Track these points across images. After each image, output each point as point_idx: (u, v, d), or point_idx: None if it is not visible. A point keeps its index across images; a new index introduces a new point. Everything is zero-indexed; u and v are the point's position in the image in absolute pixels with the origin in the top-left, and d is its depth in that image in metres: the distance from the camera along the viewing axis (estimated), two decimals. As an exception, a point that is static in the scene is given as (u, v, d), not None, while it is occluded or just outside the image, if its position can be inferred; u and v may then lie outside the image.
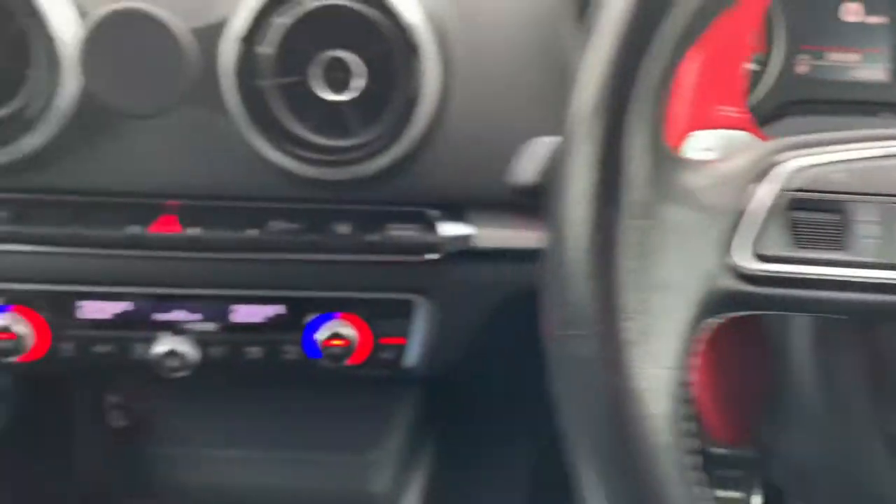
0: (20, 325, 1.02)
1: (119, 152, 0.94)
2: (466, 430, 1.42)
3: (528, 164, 0.74)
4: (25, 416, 1.31)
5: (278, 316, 1.07)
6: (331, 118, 0.92)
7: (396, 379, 1.30)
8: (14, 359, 1.03)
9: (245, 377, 1.25)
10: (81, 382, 1.43)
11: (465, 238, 1.01)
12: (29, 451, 1.31)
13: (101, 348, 1.06)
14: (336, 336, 1.06)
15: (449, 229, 1.01)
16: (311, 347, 1.08)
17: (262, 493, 1.44)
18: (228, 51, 0.90)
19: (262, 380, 1.33)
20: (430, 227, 1.01)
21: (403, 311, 1.09)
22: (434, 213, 1.02)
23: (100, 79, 0.82)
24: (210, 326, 1.07)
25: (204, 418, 1.45)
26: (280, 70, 0.89)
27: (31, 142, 0.91)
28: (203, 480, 1.45)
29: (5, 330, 1.02)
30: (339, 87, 0.90)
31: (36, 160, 0.93)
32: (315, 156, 0.92)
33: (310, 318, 1.07)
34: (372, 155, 0.93)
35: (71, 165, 0.94)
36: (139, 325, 1.06)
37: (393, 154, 0.94)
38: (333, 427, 1.44)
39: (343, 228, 1.00)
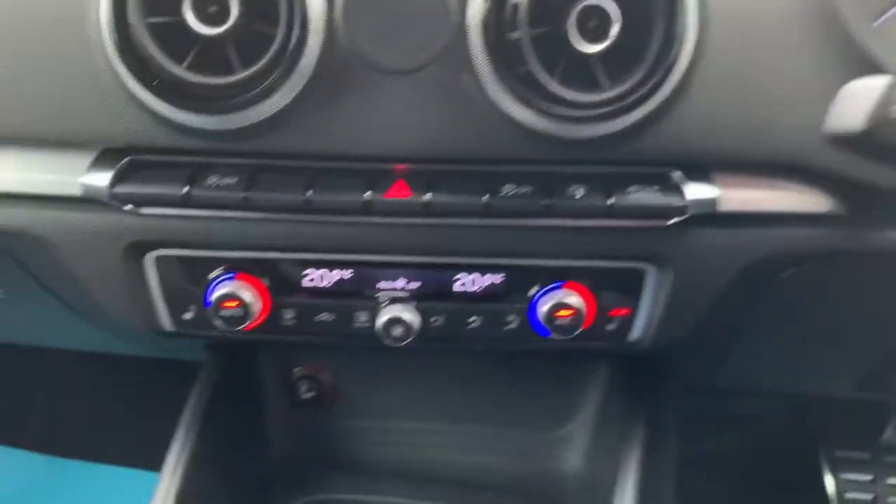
0: (246, 293, 1.01)
1: (358, 114, 0.91)
2: (671, 409, 1.35)
3: (855, 109, 0.66)
4: (220, 388, 1.32)
5: (503, 285, 1.03)
6: (581, 72, 0.86)
7: (596, 352, 1.25)
8: (241, 327, 1.03)
9: (441, 349, 1.21)
10: (271, 355, 1.43)
11: (712, 201, 0.94)
12: (224, 423, 1.32)
13: (324, 317, 1.05)
14: (562, 306, 1.01)
15: (695, 191, 0.94)
16: (535, 318, 1.03)
17: (447, 467, 1.41)
18: (477, 3, 0.86)
19: (453, 352, 1.30)
20: (675, 189, 0.94)
21: (633, 281, 1.03)
22: (677, 174, 0.95)
23: (362, 33, 0.79)
24: (433, 295, 1.04)
25: (391, 390, 1.43)
26: (533, 20, 0.83)
27: (273, 103, 0.89)
28: (388, 452, 1.44)
29: (232, 297, 1.01)
30: (594, 37, 0.84)
31: (276, 123, 0.91)
32: (563, 111, 0.86)
33: (536, 287, 1.02)
34: (622, 110, 0.87)
35: (310, 128, 0.92)
36: (362, 293, 1.04)
37: (644, 109, 0.88)
38: (523, 401, 1.40)
39: (580, 192, 0.94)
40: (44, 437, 2.11)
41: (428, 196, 0.93)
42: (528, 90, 0.86)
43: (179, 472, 1.19)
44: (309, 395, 1.45)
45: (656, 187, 0.94)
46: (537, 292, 1.02)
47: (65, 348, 1.72)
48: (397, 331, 1.02)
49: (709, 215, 0.95)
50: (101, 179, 0.95)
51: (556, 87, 0.85)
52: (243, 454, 1.40)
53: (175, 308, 1.06)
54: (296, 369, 1.46)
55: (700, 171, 0.95)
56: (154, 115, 0.91)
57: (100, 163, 0.96)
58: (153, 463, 1.27)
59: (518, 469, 1.39)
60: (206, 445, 1.25)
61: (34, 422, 2.13)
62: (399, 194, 0.94)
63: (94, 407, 2.11)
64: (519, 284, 1.03)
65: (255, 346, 1.43)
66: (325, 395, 1.45)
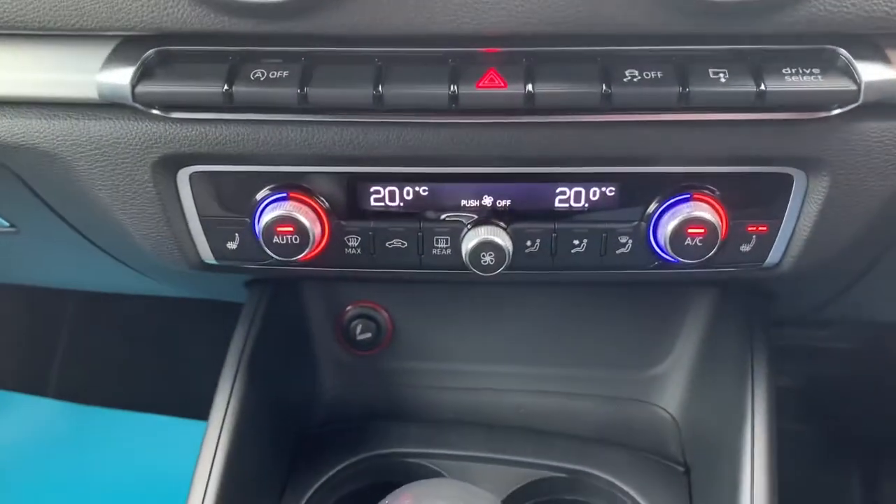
0: (303, 216, 0.84)
1: None
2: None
3: None
4: (264, 331, 1.16)
5: (616, 198, 0.84)
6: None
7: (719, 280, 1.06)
8: (298, 256, 0.85)
9: (533, 280, 1.03)
10: (320, 292, 1.27)
11: (891, 85, 0.74)
12: (271, 369, 1.17)
13: (396, 243, 0.87)
14: (693, 222, 0.82)
15: (871, 72, 0.74)
16: (655, 239, 0.85)
17: (524, 415, 1.25)
18: None
19: (543, 284, 1.12)
20: (843, 70, 0.74)
21: (777, 190, 0.84)
22: (843, 52, 0.75)
23: None
24: (529, 214, 0.85)
25: (456, 328, 1.26)
26: None
27: None
28: (455, 399, 1.28)
29: (287, 221, 0.83)
30: None
31: None
32: None
33: (656, 200, 0.84)
34: None
35: (371, 3, 0.72)
36: (441, 213, 0.86)
37: None
38: (609, 336, 1.23)
39: (722, 76, 0.74)
40: (70, 385, 1.99)
41: (529, 87, 0.74)
42: None
43: (228, 423, 1.04)
44: (364, 336, 1.28)
45: (815, 69, 0.74)
46: (659, 207, 0.83)
47: (88, 290, 1.57)
48: (487, 258, 0.84)
49: (883, 104, 0.75)
50: (122, 76, 0.76)
51: (709, -70, 0.65)
52: (294, 402, 1.25)
53: (216, 236, 0.89)
54: (348, 308, 1.29)
55: (871, 48, 0.75)
56: None
57: (119, 56, 0.77)
58: (192, 411, 1.13)
59: (607, 414, 1.23)
60: (254, 393, 1.10)
61: (58, 368, 2.00)
62: (493, 85, 0.75)
63: (126, 352, 1.98)
64: (635, 198, 0.84)
65: (301, 283, 1.26)
66: (382, 335, 1.29)
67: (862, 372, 1.80)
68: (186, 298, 1.54)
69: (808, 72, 0.74)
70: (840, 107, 0.75)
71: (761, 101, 0.74)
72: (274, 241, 0.84)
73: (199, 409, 1.14)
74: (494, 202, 0.85)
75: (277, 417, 1.19)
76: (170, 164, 0.84)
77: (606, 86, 0.74)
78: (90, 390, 1.97)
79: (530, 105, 0.75)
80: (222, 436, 1.04)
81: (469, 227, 0.85)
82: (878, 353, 1.82)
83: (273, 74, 0.76)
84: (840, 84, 0.74)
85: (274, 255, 0.85)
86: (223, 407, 1.07)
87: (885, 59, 0.74)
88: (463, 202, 0.85)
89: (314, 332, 1.29)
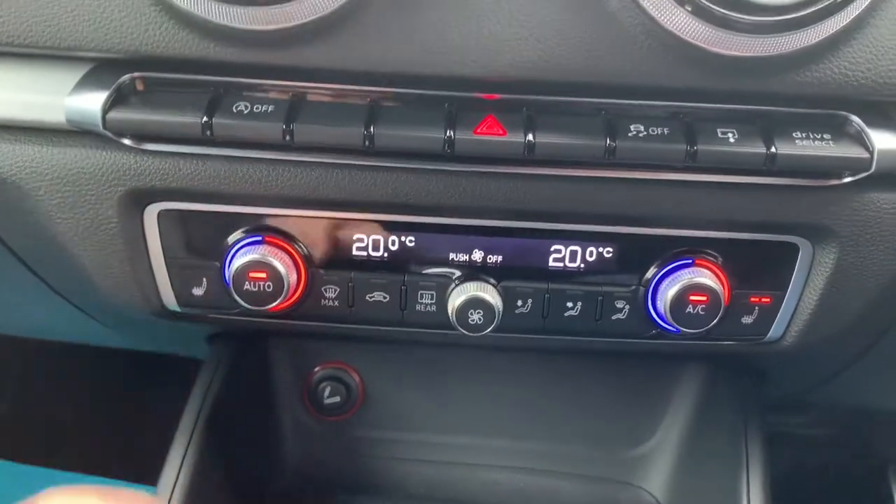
0: (278, 262, 0.77)
1: (441, 19, 0.67)
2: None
3: None
4: (225, 390, 1.08)
5: (613, 260, 0.80)
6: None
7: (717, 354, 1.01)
8: (268, 306, 0.79)
9: (519, 345, 0.98)
10: (287, 350, 1.19)
11: (903, 153, 0.71)
12: (229, 432, 1.08)
13: (377, 296, 0.81)
14: (694, 289, 0.77)
15: (882, 140, 0.71)
16: (656, 305, 0.80)
17: (500, 493, 1.17)
18: None
19: (530, 349, 1.06)
20: (854, 137, 0.71)
21: (781, 259, 0.80)
22: (855, 118, 0.72)
23: None
24: (521, 271, 0.80)
25: (430, 396, 1.19)
26: None
27: (318, 3, 0.65)
28: (426, 473, 1.20)
29: (261, 267, 0.77)
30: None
31: (330, 24, 0.67)
32: (737, 15, 0.63)
33: (657, 264, 0.79)
34: (811, 18, 0.64)
35: (375, 35, 0.68)
36: (427, 266, 0.80)
37: (840, 20, 0.65)
38: (594, 411, 1.16)
39: (732, 136, 0.71)
40: (11, 443, 1.86)
41: (530, 136, 0.70)
42: None
43: (179, 491, 0.95)
44: (333, 400, 1.20)
45: (826, 135, 0.71)
46: (659, 271, 0.79)
47: (35, 337, 1.47)
48: (475, 316, 0.78)
49: (893, 174, 0.72)
50: (93, 101, 0.71)
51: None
52: (253, 469, 1.16)
53: (182, 280, 0.82)
54: (316, 368, 1.22)
55: (883, 116, 0.72)
56: (168, 8, 0.68)
57: (92, 79, 0.72)
58: (144, 476, 1.04)
59: (589, 495, 1.15)
60: (209, 457, 1.01)
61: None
62: (491, 132, 0.70)
63: (74, 408, 1.85)
64: (634, 260, 0.80)
65: (268, 339, 1.19)
66: (351, 400, 1.21)
67: (840, 461, 1.75)
68: (142, 352, 1.45)
69: (819, 137, 0.72)
70: (851, 175, 0.72)
71: (771, 165, 0.70)
72: (245, 287, 0.78)
73: (149, 474, 1.05)
74: (485, 257, 0.80)
75: (234, 485, 1.10)
76: (138, 200, 0.78)
77: (611, 139, 0.70)
78: (30, 448, 1.84)
79: (530, 155, 0.70)
80: None
81: (457, 282, 0.80)
82: (858, 441, 1.78)
83: (257, 108, 0.71)
84: (852, 151, 0.71)
85: (244, 304, 0.79)
86: (174, 472, 0.98)
87: (895, 127, 0.72)
88: (451, 256, 0.80)
89: (279, 394, 1.21)
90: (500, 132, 0.71)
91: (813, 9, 0.64)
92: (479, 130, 0.70)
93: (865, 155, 0.71)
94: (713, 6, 0.63)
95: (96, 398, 1.84)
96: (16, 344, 1.73)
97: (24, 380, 1.90)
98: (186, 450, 1.00)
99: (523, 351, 1.08)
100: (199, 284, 0.82)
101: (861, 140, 0.71)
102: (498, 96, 0.73)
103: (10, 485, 1.78)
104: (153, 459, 1.03)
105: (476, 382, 1.19)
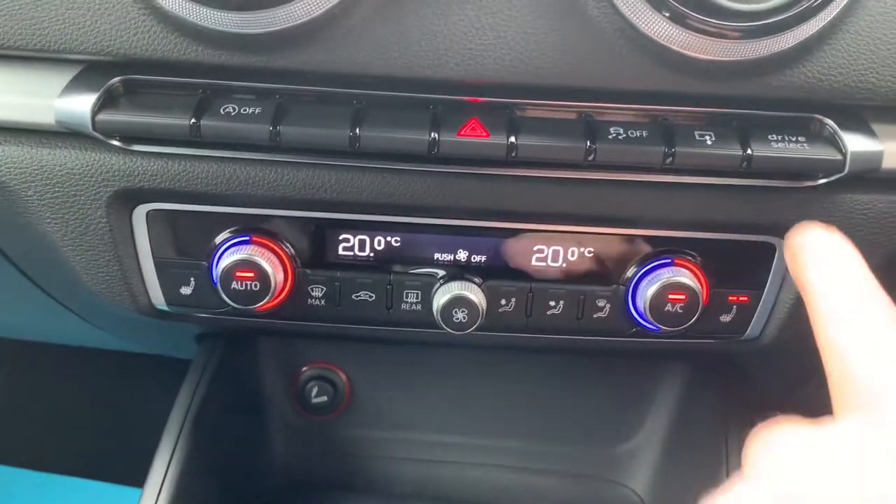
0: (265, 262, 0.79)
1: (428, 22, 0.69)
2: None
3: None
4: (212, 390, 1.09)
5: (595, 260, 0.81)
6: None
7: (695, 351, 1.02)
8: (255, 305, 0.80)
9: (504, 343, 0.99)
10: (275, 349, 1.20)
11: (877, 155, 0.73)
12: (216, 433, 1.09)
13: (363, 295, 0.82)
14: (674, 288, 0.79)
15: (856, 143, 0.73)
16: (636, 304, 0.81)
17: (486, 490, 1.19)
18: None
19: (514, 348, 1.08)
20: (829, 140, 0.73)
21: (759, 259, 0.82)
22: (829, 121, 0.74)
23: None
24: (504, 271, 0.82)
25: (417, 395, 1.20)
26: None
27: (309, 6, 0.67)
28: (413, 471, 1.21)
29: (248, 266, 0.78)
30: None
31: (319, 27, 0.68)
32: (714, 21, 0.65)
33: (637, 264, 0.81)
34: (787, 24, 0.66)
35: (363, 38, 0.69)
36: (412, 265, 0.82)
37: (815, 24, 0.67)
38: (578, 409, 1.18)
39: (709, 138, 0.72)
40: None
41: (512, 138, 0.71)
42: None
43: (166, 491, 0.96)
44: (320, 399, 1.22)
45: (801, 138, 0.73)
46: (639, 270, 0.81)
47: (22, 338, 1.47)
48: (460, 315, 0.79)
49: (867, 175, 0.74)
50: (83, 103, 0.72)
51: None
52: (240, 468, 1.16)
53: (170, 279, 0.83)
54: (304, 368, 1.23)
55: (857, 119, 0.74)
56: (157, 12, 0.69)
57: (82, 81, 0.73)
58: (131, 476, 1.04)
59: (572, 493, 1.17)
60: (195, 459, 1.02)
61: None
62: (475, 134, 0.72)
63: (60, 408, 1.85)
64: (614, 260, 0.81)
65: (256, 339, 1.20)
66: (338, 399, 1.22)
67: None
68: (130, 352, 1.45)
69: (794, 139, 0.73)
70: (825, 176, 0.74)
71: (747, 167, 0.72)
72: (232, 286, 0.79)
73: (137, 474, 1.06)
74: (469, 257, 0.81)
75: (221, 485, 1.11)
76: (126, 200, 0.79)
77: (591, 142, 0.71)
78: (18, 450, 1.84)
79: (512, 157, 0.72)
80: None
81: (442, 281, 0.81)
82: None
83: (245, 110, 0.72)
84: (826, 153, 0.72)
85: (231, 303, 0.80)
86: (162, 472, 0.99)
87: (869, 131, 0.74)
88: (436, 255, 0.81)
89: (266, 393, 1.22)
90: (484, 134, 0.72)
91: (787, 14, 0.66)
92: (462, 132, 0.72)
93: (839, 157, 0.72)
94: (690, 12, 0.65)
95: (83, 398, 1.84)
96: (2, 344, 1.73)
97: (10, 380, 1.90)
98: (174, 450, 1.01)
99: (508, 350, 1.10)
100: (187, 283, 0.83)
101: (834, 142, 0.73)
102: (482, 99, 0.74)
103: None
104: (140, 459, 1.04)
105: (462, 382, 1.21)
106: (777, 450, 0.51)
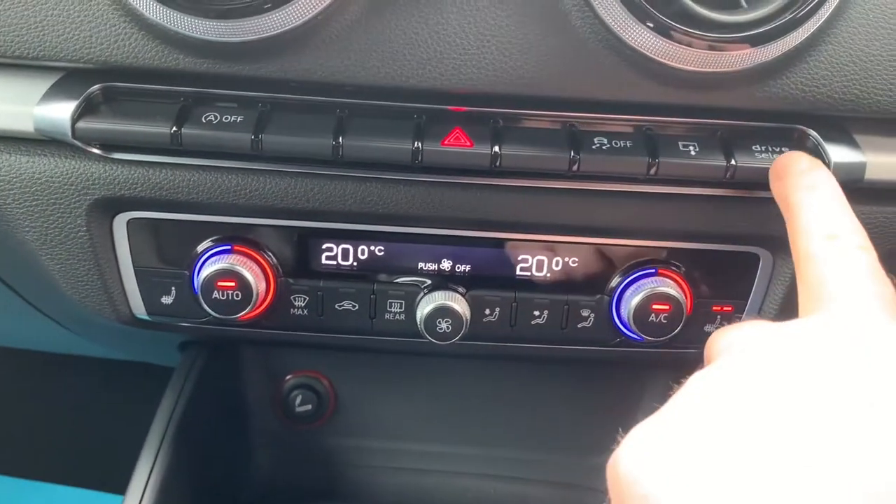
0: (246, 271, 0.78)
1: (411, 32, 0.68)
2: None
3: None
4: (195, 398, 1.08)
5: (579, 270, 0.81)
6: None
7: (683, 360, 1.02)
8: (237, 315, 0.79)
9: (489, 353, 0.99)
10: (258, 358, 1.19)
11: (860, 166, 0.73)
12: (199, 441, 1.08)
13: (346, 305, 0.82)
14: (658, 299, 0.79)
15: (839, 154, 0.73)
16: (621, 314, 0.81)
17: (469, 500, 1.18)
18: None
19: (499, 357, 1.07)
20: (812, 151, 0.73)
21: (743, 269, 0.82)
22: (813, 133, 0.74)
23: None
24: (488, 280, 0.81)
25: (401, 404, 1.20)
26: None
27: (301, 8, 0.66)
28: (397, 481, 1.20)
29: (229, 275, 0.78)
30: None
31: (301, 36, 0.68)
32: (696, 33, 0.65)
33: (622, 274, 0.81)
34: (769, 36, 0.66)
35: (346, 47, 0.69)
36: (396, 275, 0.81)
37: (797, 36, 0.67)
38: (561, 418, 1.18)
39: (693, 149, 0.72)
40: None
41: (496, 148, 0.71)
42: (649, 3, 0.65)
43: (146, 499, 0.94)
44: (304, 408, 1.21)
45: (785, 148, 0.73)
46: (623, 280, 0.80)
47: (3, 346, 1.46)
48: (444, 325, 0.79)
49: (850, 186, 0.74)
50: (63, 110, 0.71)
51: (688, 1, 0.64)
52: (223, 478, 1.15)
53: (151, 288, 0.82)
54: (287, 377, 1.22)
55: (840, 131, 0.75)
56: (137, 20, 0.68)
57: (61, 89, 0.72)
58: (113, 484, 1.03)
59: (557, 501, 1.16)
60: (177, 467, 1.01)
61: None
62: (459, 144, 0.71)
63: (41, 416, 1.83)
64: (598, 270, 0.81)
65: (239, 348, 1.19)
66: (322, 408, 1.21)
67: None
68: (111, 359, 1.44)
69: (778, 150, 0.73)
70: (810, 187, 0.74)
71: (731, 177, 0.72)
72: (213, 296, 0.78)
73: (119, 482, 1.04)
74: (453, 266, 0.81)
75: (204, 494, 1.10)
76: (106, 209, 0.78)
77: (575, 152, 0.71)
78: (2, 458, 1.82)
79: (496, 167, 0.72)
80: None
81: (425, 291, 0.81)
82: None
83: (227, 118, 0.71)
84: None
85: (212, 312, 0.79)
86: (143, 480, 0.97)
87: (852, 142, 0.74)
88: (420, 265, 0.81)
89: (250, 402, 1.21)
90: (468, 144, 0.72)
91: (770, 26, 0.66)
92: (446, 142, 0.71)
93: None
94: (674, 23, 0.65)
95: (64, 405, 1.82)
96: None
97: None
98: (156, 458, 1.00)
99: (493, 359, 1.09)
100: (168, 293, 0.82)
101: (818, 153, 0.73)
102: (466, 109, 0.74)
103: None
104: (122, 467, 1.02)
105: (446, 391, 1.20)
106: (742, 340, 0.54)
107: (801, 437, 0.42)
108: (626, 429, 0.54)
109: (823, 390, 0.45)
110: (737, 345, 0.54)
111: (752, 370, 0.49)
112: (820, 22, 0.67)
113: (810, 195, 0.62)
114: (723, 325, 0.84)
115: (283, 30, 0.67)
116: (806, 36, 0.67)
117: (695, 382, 0.51)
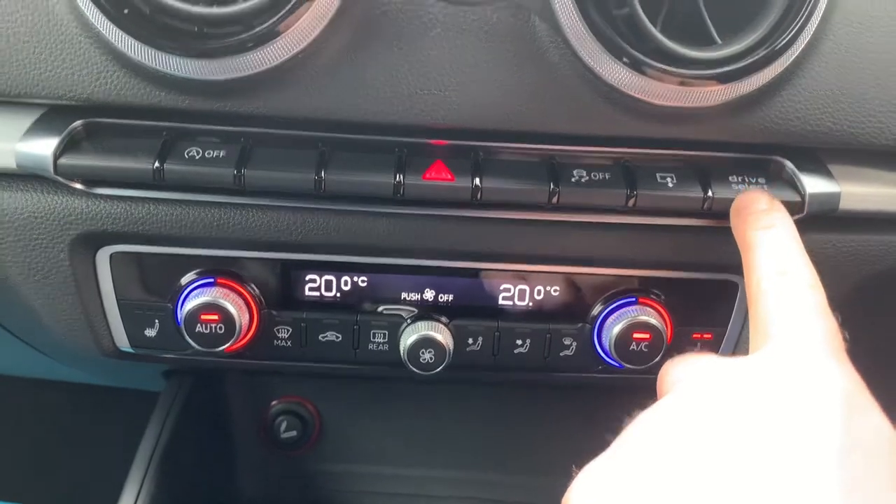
0: (229, 304, 0.78)
1: (392, 69, 0.69)
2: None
3: None
4: (180, 424, 1.07)
5: (561, 299, 0.82)
6: (684, 22, 0.67)
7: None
8: (220, 347, 0.79)
9: (472, 380, 0.99)
10: (243, 385, 1.19)
11: (834, 196, 0.75)
12: (184, 467, 1.08)
13: (329, 336, 0.82)
14: (639, 327, 0.80)
15: (813, 185, 0.74)
16: (602, 342, 0.82)
17: None
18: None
19: (481, 384, 1.08)
20: (787, 181, 0.75)
21: (722, 296, 0.83)
22: (788, 164, 0.75)
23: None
24: (471, 310, 0.82)
25: (385, 429, 1.20)
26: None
27: (282, 47, 0.67)
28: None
29: (213, 309, 0.78)
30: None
31: (283, 75, 0.69)
32: (671, 69, 0.66)
33: (602, 303, 0.82)
34: (744, 71, 0.67)
35: (328, 85, 0.70)
36: (379, 305, 0.82)
37: (771, 72, 0.68)
38: (545, 442, 1.18)
39: (670, 181, 0.74)
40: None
41: (477, 181, 0.72)
42: (629, 44, 0.66)
43: None
44: (289, 434, 1.21)
45: (761, 179, 0.75)
46: (604, 309, 0.81)
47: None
48: (427, 355, 0.79)
49: (825, 216, 0.76)
50: (45, 147, 0.71)
51: (662, 38, 0.65)
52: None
53: (134, 321, 0.82)
54: (273, 402, 1.22)
55: (814, 161, 0.76)
56: (119, 58, 0.68)
57: (43, 125, 0.72)
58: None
59: None
60: (163, 495, 1.01)
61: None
62: (440, 177, 0.72)
63: (26, 442, 1.81)
64: (579, 299, 0.82)
65: (224, 374, 1.19)
66: (308, 434, 1.21)
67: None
68: (96, 385, 1.43)
69: (754, 181, 0.75)
70: (786, 217, 0.75)
71: (709, 208, 0.73)
72: (197, 329, 0.78)
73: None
74: (436, 296, 0.81)
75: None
76: (89, 243, 0.78)
77: (554, 184, 0.72)
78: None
79: (476, 199, 0.72)
80: None
81: (409, 321, 0.81)
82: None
83: (209, 153, 0.72)
84: (785, 195, 0.74)
85: (196, 345, 0.79)
86: None
87: (827, 173, 0.76)
88: (403, 295, 0.81)
89: (235, 428, 1.21)
90: (449, 177, 0.73)
91: (743, 63, 0.67)
92: (427, 175, 0.72)
93: (797, 199, 0.74)
94: (648, 60, 0.66)
95: (49, 431, 1.80)
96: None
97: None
98: (141, 485, 1.00)
99: (476, 384, 1.10)
100: (152, 326, 0.82)
101: (793, 184, 0.75)
102: (446, 142, 0.75)
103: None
104: (108, 494, 1.02)
105: (431, 415, 1.20)
106: (689, 376, 0.59)
107: (716, 479, 0.48)
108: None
109: (744, 433, 0.50)
110: (685, 381, 0.59)
111: (691, 411, 0.54)
112: (792, 58, 0.69)
113: (766, 234, 0.65)
114: (703, 351, 0.85)
115: (265, 68, 0.67)
116: (778, 72, 0.69)
117: (642, 422, 0.56)
